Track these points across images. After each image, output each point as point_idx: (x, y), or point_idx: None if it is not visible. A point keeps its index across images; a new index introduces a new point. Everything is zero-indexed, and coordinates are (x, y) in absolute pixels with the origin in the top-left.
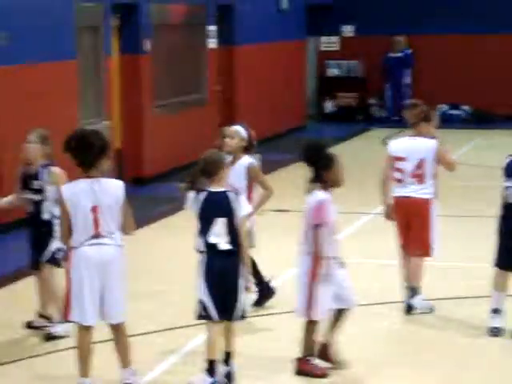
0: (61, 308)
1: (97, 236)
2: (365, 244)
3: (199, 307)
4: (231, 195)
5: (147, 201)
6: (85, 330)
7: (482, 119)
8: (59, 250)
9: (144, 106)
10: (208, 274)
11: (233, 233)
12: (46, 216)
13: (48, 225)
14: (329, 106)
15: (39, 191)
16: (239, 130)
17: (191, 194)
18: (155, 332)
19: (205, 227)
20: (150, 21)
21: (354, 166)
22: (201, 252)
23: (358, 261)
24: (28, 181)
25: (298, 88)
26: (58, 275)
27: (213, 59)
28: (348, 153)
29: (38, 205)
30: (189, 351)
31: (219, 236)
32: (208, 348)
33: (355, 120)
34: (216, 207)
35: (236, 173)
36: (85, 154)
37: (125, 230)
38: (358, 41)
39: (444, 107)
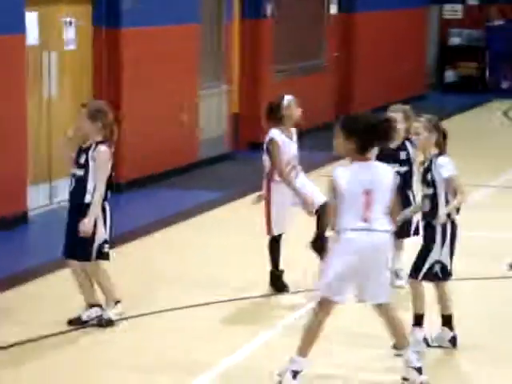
0: (110, 295)
1: (366, 220)
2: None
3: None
4: None
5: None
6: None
7: None
8: (106, 242)
9: (263, 71)
10: None
11: None
12: (87, 198)
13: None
14: (450, 75)
15: (84, 167)
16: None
17: None
18: None
19: None
20: None
21: (475, 137)
22: None
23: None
24: (78, 154)
25: (418, 57)
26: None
27: (333, 25)
28: (470, 123)
29: (81, 183)
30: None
31: None
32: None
33: (477, 90)
34: None
35: None
36: (367, 139)
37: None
38: (483, 9)
39: None
